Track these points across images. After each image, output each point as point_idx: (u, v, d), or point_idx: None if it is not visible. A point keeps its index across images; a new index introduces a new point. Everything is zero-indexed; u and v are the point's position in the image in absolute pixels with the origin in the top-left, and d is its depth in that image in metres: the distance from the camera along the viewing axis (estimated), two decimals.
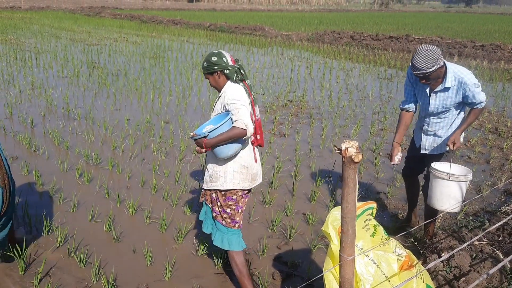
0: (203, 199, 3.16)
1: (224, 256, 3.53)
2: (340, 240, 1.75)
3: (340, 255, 1.75)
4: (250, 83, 3.01)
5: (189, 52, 15.77)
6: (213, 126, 2.82)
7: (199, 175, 5.31)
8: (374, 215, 2.63)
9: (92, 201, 4.55)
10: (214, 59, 2.90)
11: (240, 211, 3.03)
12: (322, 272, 3.43)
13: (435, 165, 3.42)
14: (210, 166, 2.99)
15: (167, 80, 10.82)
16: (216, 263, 3.52)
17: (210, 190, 3.02)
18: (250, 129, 2.72)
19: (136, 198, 4.62)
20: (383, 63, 14.59)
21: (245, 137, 2.77)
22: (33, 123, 6.97)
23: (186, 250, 3.76)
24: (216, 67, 2.90)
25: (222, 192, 2.95)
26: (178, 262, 3.56)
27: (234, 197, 2.96)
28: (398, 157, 3.66)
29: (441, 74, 3.32)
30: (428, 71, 3.15)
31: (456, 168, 3.42)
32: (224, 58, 2.91)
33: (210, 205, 3.06)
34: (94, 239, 3.87)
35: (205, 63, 2.93)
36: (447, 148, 3.48)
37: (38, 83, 9.86)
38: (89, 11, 37.66)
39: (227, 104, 2.83)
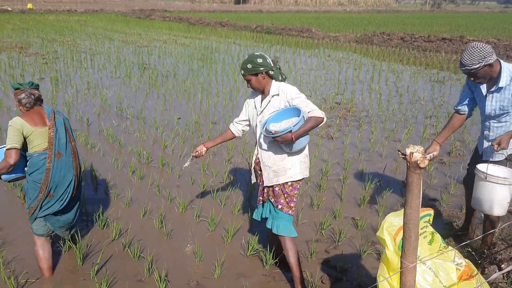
0: (261, 198, 3.23)
1: (272, 257, 3.53)
2: (402, 247, 1.70)
3: (401, 261, 1.71)
4: None
5: (235, 54, 15.93)
6: (290, 120, 2.98)
7: (246, 175, 5.35)
8: (431, 222, 2.55)
9: (144, 198, 4.69)
10: (260, 60, 3.02)
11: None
12: (372, 278, 3.38)
13: (480, 165, 3.31)
14: (272, 162, 3.09)
15: (215, 81, 10.98)
16: (264, 264, 3.53)
17: (272, 186, 3.11)
18: (324, 116, 2.94)
19: (186, 196, 4.71)
20: (435, 65, 14.13)
21: (321, 124, 2.96)
22: (89, 121, 7.27)
23: (235, 250, 3.79)
24: (262, 68, 3.02)
25: (289, 183, 3.09)
26: (227, 261, 3.60)
27: (298, 185, 3.15)
28: (430, 155, 3.58)
29: (494, 74, 3.22)
30: (472, 67, 3.12)
31: (502, 171, 3.27)
32: (267, 60, 3.06)
33: (273, 199, 3.14)
34: (147, 235, 3.99)
35: (249, 64, 3.02)
36: (503, 155, 3.32)
37: (93, 83, 10.28)
38: (140, 13, 38.86)
39: (292, 99, 2.99)
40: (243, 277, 3.41)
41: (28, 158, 3.16)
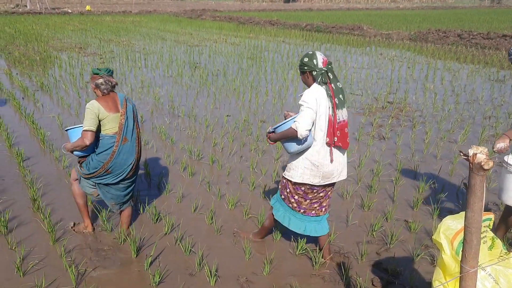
0: None
1: (321, 257, 3.51)
2: (462, 251, 1.64)
3: (461, 266, 1.65)
4: (339, 86, 3.14)
5: (285, 53, 15.91)
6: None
7: None
8: (491, 227, 2.44)
9: (195, 194, 4.79)
10: (306, 60, 3.12)
11: (309, 201, 3.34)
12: (426, 283, 3.29)
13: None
14: (290, 158, 3.33)
15: (264, 80, 11.02)
16: (314, 264, 3.50)
17: (284, 177, 3.38)
18: (301, 132, 2.96)
19: (235, 193, 4.77)
20: (495, 63, 13.44)
21: (301, 137, 2.99)
22: (143, 118, 7.52)
23: (284, 248, 3.79)
24: (305, 68, 3.12)
25: (292, 182, 3.30)
26: (276, 259, 3.61)
27: (303, 188, 3.28)
28: (500, 146, 3.40)
29: None
30: None
31: None
32: (314, 60, 3.08)
33: (280, 186, 3.47)
34: (197, 230, 4.07)
35: (299, 62, 3.19)
36: None
37: (146, 82, 10.61)
38: (191, 13, 39.67)
39: (299, 104, 3.10)
40: (291, 276, 3.41)
41: (100, 139, 3.54)
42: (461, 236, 2.21)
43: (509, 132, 3.48)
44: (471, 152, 1.48)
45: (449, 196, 4.77)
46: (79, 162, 3.70)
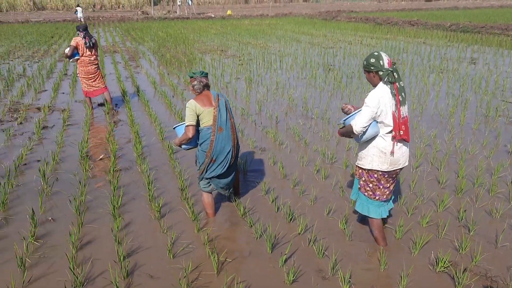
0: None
1: (465, 278, 3.24)
2: None
3: None
4: (402, 85, 3.35)
5: (425, 55, 14.97)
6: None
7: (435, 186, 5.00)
8: None
9: (328, 198, 4.79)
10: (372, 60, 3.32)
11: (381, 187, 3.59)
12: None
13: None
14: (360, 148, 3.64)
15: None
16: (456, 285, 3.25)
17: (358, 166, 3.69)
18: (356, 129, 3.35)
19: None
20: None
21: (357, 133, 3.38)
22: (277, 119, 7.74)
23: (422, 263, 3.59)
24: (372, 68, 3.33)
25: (366, 170, 3.59)
26: (413, 273, 3.43)
27: (375, 175, 3.55)
28: None
29: None
30: None
31: None
32: (381, 61, 3.30)
33: (358, 177, 3.73)
34: (330, 234, 4.06)
35: (365, 61, 3.38)
36: None
37: (281, 84, 10.89)
38: (326, 15, 39.61)
39: (364, 103, 3.36)
40: None
41: (200, 132, 4.10)
42: None
43: None
44: None
45: None
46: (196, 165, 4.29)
